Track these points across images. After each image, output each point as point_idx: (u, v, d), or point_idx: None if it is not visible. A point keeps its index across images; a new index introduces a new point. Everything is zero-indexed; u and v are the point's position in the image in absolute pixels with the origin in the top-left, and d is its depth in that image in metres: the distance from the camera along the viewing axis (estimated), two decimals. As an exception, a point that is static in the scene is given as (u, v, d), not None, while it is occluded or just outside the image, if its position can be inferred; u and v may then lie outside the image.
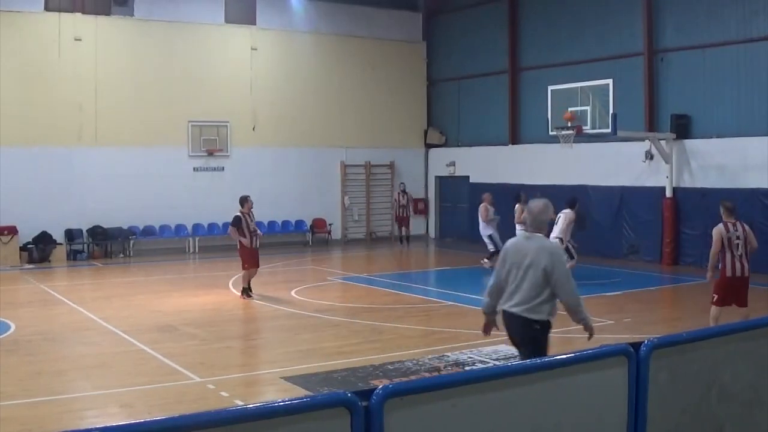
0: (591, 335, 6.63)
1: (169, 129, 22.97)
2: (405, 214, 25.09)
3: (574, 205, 15.71)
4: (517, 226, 17.49)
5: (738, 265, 9.94)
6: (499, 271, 6.73)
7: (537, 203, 6.72)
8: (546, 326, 6.50)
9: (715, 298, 10.13)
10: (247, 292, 14.66)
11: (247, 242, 14.47)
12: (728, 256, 9.93)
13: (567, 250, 15.40)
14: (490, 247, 18.18)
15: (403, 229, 25.07)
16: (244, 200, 14.73)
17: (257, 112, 24.36)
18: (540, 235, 6.62)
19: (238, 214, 14.56)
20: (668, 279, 17.09)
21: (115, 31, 22.40)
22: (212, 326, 12.29)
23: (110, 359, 10.21)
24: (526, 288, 6.40)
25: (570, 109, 18.44)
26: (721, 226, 10.00)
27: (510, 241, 6.84)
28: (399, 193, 25.30)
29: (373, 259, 22.66)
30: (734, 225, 10.00)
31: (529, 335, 6.47)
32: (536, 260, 6.35)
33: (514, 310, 6.49)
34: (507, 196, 19.47)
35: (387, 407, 2.92)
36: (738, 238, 9.93)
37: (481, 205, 18.61)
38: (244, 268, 14.73)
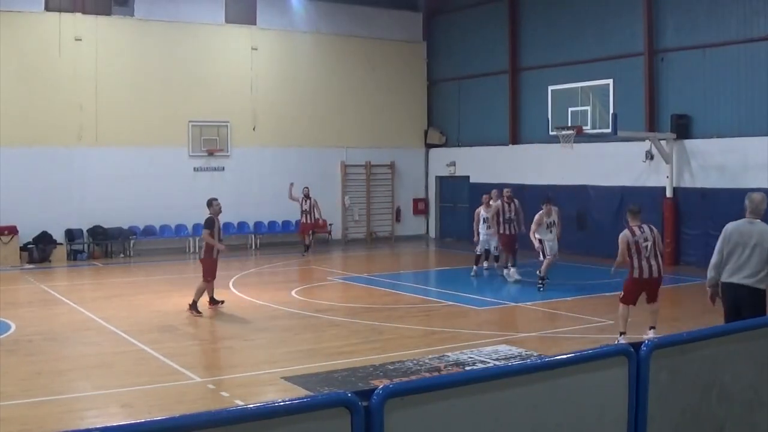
0: None
1: (169, 129, 22.97)
2: (309, 221, 22.00)
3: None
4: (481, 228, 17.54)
5: (646, 266, 10.31)
6: (721, 250, 8.16)
7: (757, 195, 8.20)
8: (765, 294, 8.00)
9: (621, 296, 10.60)
10: (215, 301, 13.53)
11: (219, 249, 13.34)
12: (636, 259, 10.29)
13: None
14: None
15: (307, 237, 21.94)
16: (210, 203, 13.52)
17: (257, 112, 24.36)
18: (759, 220, 8.04)
19: (210, 216, 13.33)
20: (668, 279, 17.02)
21: (116, 31, 22.40)
22: (212, 326, 12.30)
23: (110, 359, 10.21)
24: (753, 264, 7.92)
25: (570, 108, 18.48)
26: (627, 231, 10.38)
27: (732, 226, 8.14)
28: (302, 198, 21.99)
29: (373, 259, 22.66)
30: (641, 228, 10.38)
31: (755, 301, 7.92)
32: (761, 241, 7.88)
33: (744, 281, 7.96)
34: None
35: (387, 407, 2.92)
36: (646, 240, 10.28)
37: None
38: (206, 280, 13.34)
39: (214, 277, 13.42)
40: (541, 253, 15.33)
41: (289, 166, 24.68)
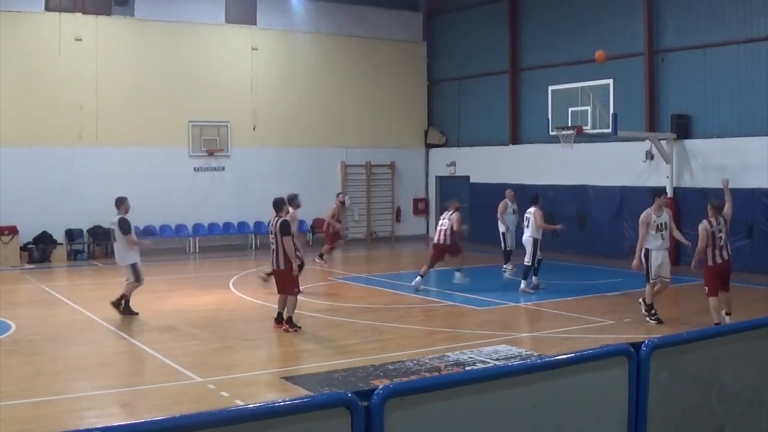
0: None
1: (169, 129, 22.97)
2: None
3: (537, 202, 15.41)
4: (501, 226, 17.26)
5: (719, 254, 11.25)
6: None
7: None
8: None
9: (707, 290, 11.36)
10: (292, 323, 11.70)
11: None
12: (711, 249, 11.20)
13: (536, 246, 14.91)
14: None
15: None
16: (290, 200, 11.92)
17: (257, 112, 24.36)
18: None
19: (286, 218, 11.66)
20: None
21: (116, 31, 22.40)
22: (212, 326, 12.29)
23: (110, 359, 10.21)
24: None
25: (570, 108, 18.46)
26: (705, 222, 11.28)
27: None
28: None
29: (373, 259, 22.66)
30: (717, 220, 11.23)
31: None
32: None
33: None
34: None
35: (387, 407, 2.92)
36: (720, 231, 11.21)
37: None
38: (293, 293, 11.64)
39: (300, 289, 11.89)
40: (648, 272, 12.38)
41: (289, 166, 24.69)
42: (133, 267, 12.98)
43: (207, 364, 9.88)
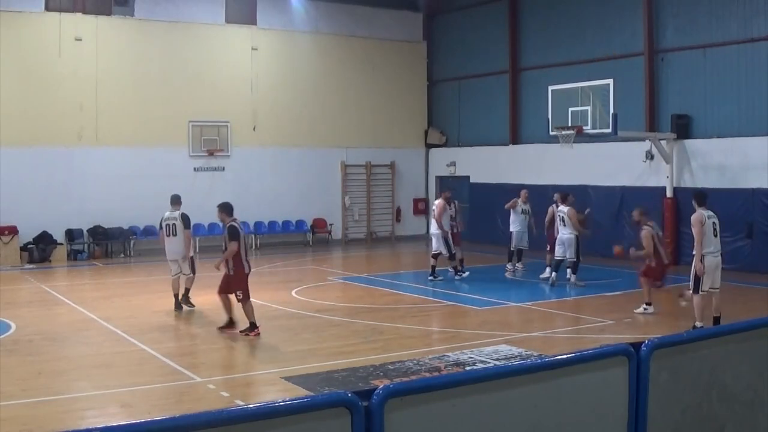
0: None
1: (169, 129, 22.97)
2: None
3: (567, 200, 15.93)
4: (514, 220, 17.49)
5: None
6: None
7: None
8: None
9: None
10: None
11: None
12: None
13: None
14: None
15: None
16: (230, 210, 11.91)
17: (257, 112, 24.36)
18: None
19: (234, 223, 11.73)
20: (668, 279, 17.07)
21: (116, 31, 22.40)
22: (212, 326, 12.29)
23: (110, 359, 10.21)
24: None
25: (570, 108, 18.47)
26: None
27: None
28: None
29: (374, 259, 22.65)
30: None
31: None
32: None
33: None
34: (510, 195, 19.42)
35: (387, 407, 2.92)
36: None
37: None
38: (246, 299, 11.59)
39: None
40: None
41: (289, 166, 24.71)
42: (192, 260, 13.86)
43: (207, 364, 9.88)
